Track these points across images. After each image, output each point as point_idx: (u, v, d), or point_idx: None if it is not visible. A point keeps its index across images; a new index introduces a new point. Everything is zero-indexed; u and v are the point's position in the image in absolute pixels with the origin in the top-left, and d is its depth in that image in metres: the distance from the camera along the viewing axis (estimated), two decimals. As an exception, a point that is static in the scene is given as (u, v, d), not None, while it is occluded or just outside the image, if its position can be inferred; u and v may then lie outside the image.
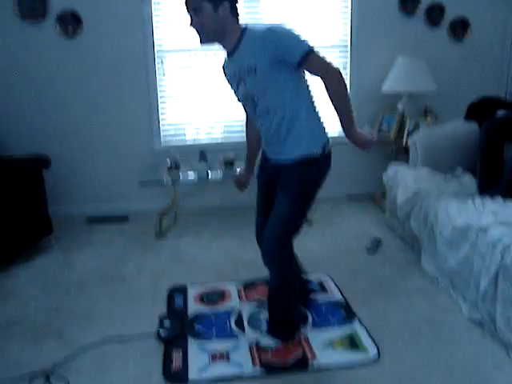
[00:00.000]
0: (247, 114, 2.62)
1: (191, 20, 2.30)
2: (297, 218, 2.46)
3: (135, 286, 3.27)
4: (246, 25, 2.35)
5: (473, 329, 2.69)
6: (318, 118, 2.43)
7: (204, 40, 2.35)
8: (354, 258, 3.53)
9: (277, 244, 2.44)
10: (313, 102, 2.41)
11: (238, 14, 2.34)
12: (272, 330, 2.67)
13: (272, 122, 2.39)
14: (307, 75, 2.35)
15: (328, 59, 2.25)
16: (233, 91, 2.50)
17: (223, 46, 2.39)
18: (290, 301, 2.61)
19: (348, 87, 2.28)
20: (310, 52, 2.20)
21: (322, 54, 2.25)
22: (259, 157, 2.73)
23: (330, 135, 2.44)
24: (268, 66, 2.24)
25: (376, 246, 3.73)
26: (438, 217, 3.16)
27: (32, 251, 3.70)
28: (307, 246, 3.70)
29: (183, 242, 3.95)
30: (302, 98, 2.36)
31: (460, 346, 2.55)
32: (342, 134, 2.36)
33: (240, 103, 2.52)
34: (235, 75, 2.39)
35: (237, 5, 2.34)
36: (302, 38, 2.24)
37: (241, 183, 2.89)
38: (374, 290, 3.10)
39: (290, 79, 2.30)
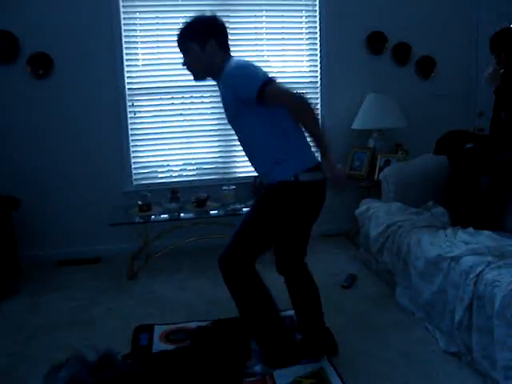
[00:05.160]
0: None
1: (184, 60, 2.40)
2: (254, 238, 2.43)
3: (104, 328, 3.15)
4: (230, 57, 2.39)
5: (450, 361, 2.64)
6: (294, 149, 2.38)
7: (196, 78, 2.45)
8: (329, 294, 3.44)
9: (230, 258, 2.44)
10: (286, 134, 2.37)
11: (227, 47, 2.40)
12: (264, 359, 2.57)
13: (249, 152, 2.48)
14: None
15: (287, 87, 2.27)
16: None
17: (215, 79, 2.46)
18: (259, 326, 2.56)
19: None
20: (263, 85, 2.20)
21: (280, 84, 2.28)
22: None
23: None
24: (234, 104, 2.32)
25: (351, 282, 3.68)
26: (411, 249, 3.14)
27: (-1, 294, 3.57)
28: (282, 284, 3.62)
29: (155, 282, 3.85)
30: (274, 133, 2.35)
31: (437, 380, 2.49)
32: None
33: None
34: (222, 105, 2.46)
35: (226, 39, 2.39)
36: (256, 74, 2.25)
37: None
38: (349, 326, 3.04)
39: (256, 114, 2.31)
